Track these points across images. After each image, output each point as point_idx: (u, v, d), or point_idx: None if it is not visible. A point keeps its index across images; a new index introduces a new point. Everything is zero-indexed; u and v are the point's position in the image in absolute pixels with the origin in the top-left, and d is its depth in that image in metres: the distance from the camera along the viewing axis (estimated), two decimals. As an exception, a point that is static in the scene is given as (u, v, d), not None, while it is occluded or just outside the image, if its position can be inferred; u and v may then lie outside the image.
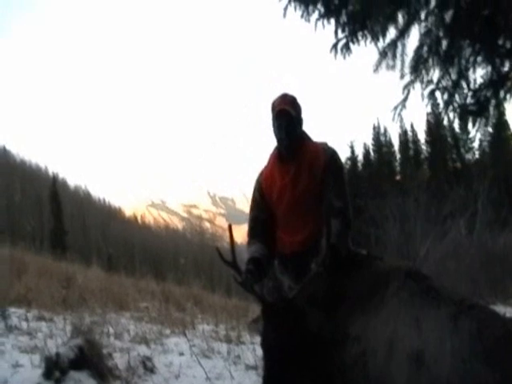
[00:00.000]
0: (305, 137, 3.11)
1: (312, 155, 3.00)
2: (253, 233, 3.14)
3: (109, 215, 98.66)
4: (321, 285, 2.48)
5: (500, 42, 5.12)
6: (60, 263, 13.32)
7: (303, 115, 3.11)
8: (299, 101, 3.09)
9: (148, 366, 4.66)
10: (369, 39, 5.35)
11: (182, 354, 5.44)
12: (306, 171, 2.97)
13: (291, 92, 3.10)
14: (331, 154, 3.01)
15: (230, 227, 2.78)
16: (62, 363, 3.91)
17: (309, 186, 2.95)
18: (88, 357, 4.09)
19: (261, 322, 2.55)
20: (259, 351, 5.36)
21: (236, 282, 2.67)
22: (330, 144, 3.12)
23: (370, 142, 51.17)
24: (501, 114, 7.37)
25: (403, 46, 5.32)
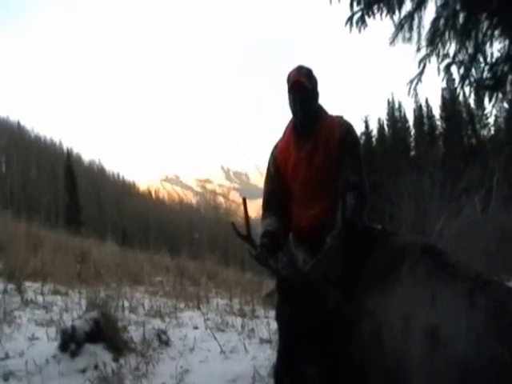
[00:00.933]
0: (321, 111, 3.07)
1: (328, 130, 2.96)
2: (267, 206, 3.12)
3: (123, 190, 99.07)
4: (336, 260, 2.48)
5: (517, 16, 5.02)
6: (75, 238, 13.44)
7: (319, 88, 3.04)
8: (315, 73, 3.03)
9: (163, 339, 4.72)
10: (384, 12, 5.28)
11: (196, 327, 5.50)
12: (322, 146, 2.93)
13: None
14: (347, 128, 2.98)
15: (244, 201, 2.81)
16: (78, 336, 3.96)
17: (325, 162, 2.92)
18: (103, 330, 4.14)
19: (275, 296, 2.55)
20: (273, 325, 5.42)
21: (250, 256, 2.67)
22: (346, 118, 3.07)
23: (384, 118, 50.77)
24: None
25: (420, 18, 5.24)
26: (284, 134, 3.17)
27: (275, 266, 2.63)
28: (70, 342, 3.92)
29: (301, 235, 3.04)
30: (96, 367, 3.80)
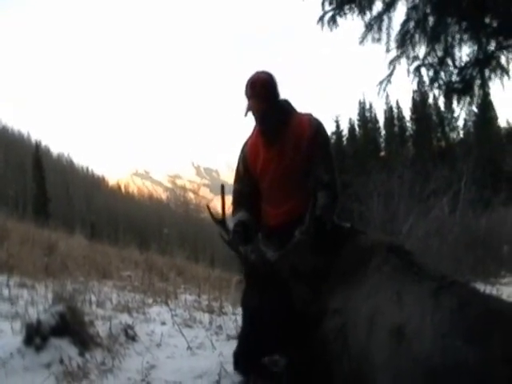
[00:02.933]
0: (288, 111, 3.07)
1: (297, 129, 2.97)
2: (237, 204, 3.14)
3: (92, 184, 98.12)
4: (304, 254, 2.51)
5: (487, 20, 5.13)
6: (43, 230, 13.19)
7: (280, 89, 3.05)
8: (272, 76, 3.02)
9: (130, 335, 4.67)
10: (355, 13, 5.33)
11: (163, 323, 5.46)
12: (291, 145, 2.94)
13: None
14: (317, 127, 2.98)
15: (222, 187, 2.93)
16: (43, 330, 3.89)
17: (294, 160, 2.93)
18: (69, 324, 4.08)
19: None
20: (241, 322, 5.44)
21: (223, 241, 2.75)
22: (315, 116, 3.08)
23: (355, 118, 51.25)
24: (486, 94, 7.41)
25: (389, 19, 5.30)
26: (253, 133, 3.18)
27: (246, 252, 2.67)
28: (35, 336, 3.85)
29: (270, 233, 3.04)
30: (61, 362, 3.73)
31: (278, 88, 3.04)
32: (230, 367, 3.91)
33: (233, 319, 5.60)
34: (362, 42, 5.46)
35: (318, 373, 2.33)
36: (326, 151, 2.98)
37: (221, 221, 2.72)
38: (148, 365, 4.03)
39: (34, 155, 54.98)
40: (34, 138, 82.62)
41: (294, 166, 2.93)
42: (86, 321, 4.49)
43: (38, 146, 62.01)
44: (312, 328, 2.37)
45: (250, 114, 3.00)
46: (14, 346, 3.83)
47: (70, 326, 4.08)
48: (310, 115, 3.06)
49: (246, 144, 3.20)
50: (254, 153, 3.10)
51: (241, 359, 2.39)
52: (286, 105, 3.09)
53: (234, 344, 4.75)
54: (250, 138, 3.18)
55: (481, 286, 5.82)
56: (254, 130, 3.18)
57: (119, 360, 4.06)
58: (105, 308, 5.85)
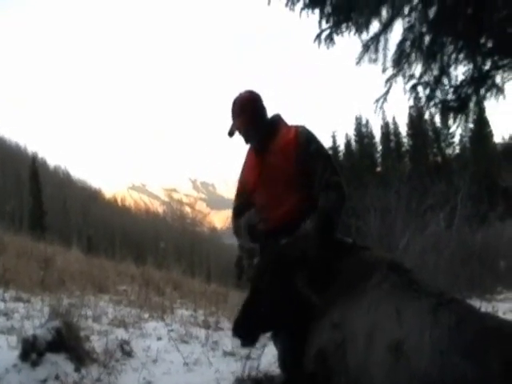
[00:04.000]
0: (278, 121, 3.17)
1: (285, 137, 3.04)
2: (238, 213, 3.20)
3: (89, 197, 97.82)
4: (312, 245, 2.60)
5: (482, 40, 5.18)
6: (39, 244, 13.14)
7: (265, 104, 3.17)
8: (255, 94, 3.17)
9: (126, 350, 4.67)
10: (352, 31, 5.38)
11: (160, 338, 5.46)
12: (280, 152, 2.99)
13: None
14: (306, 137, 3.03)
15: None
16: (39, 345, 3.89)
17: (283, 166, 2.97)
18: (65, 339, 4.07)
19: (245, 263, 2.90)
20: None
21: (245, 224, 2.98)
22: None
23: (351, 133, 51.47)
24: (481, 110, 7.47)
25: (386, 40, 5.35)
26: (247, 155, 3.30)
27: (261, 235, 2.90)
28: (31, 352, 3.85)
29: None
30: (57, 377, 3.73)
31: (262, 105, 3.16)
32: (226, 383, 3.93)
33: (229, 335, 5.60)
34: (358, 62, 5.51)
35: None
36: (325, 157, 3.02)
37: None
38: (144, 381, 4.03)
39: (31, 167, 54.85)
40: (30, 149, 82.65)
41: (284, 172, 2.97)
42: (82, 336, 4.49)
43: (34, 158, 61.88)
44: (307, 319, 2.45)
45: (238, 133, 3.15)
46: (10, 362, 3.82)
47: (66, 342, 4.08)
48: (298, 126, 3.11)
49: (242, 170, 3.32)
50: (248, 166, 3.22)
51: (240, 326, 2.47)
52: (277, 118, 3.18)
53: (230, 360, 4.78)
54: (245, 162, 3.30)
55: (476, 303, 5.83)
56: (247, 153, 3.30)
57: (115, 376, 4.06)
58: (101, 323, 5.85)
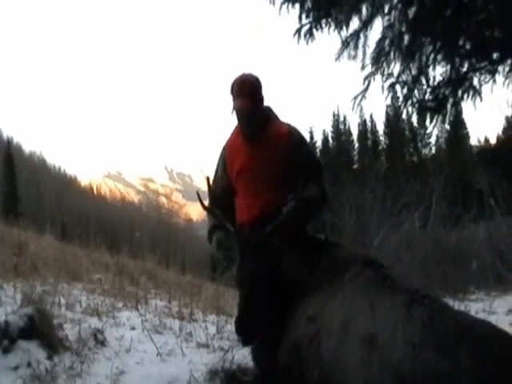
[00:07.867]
0: (268, 115, 3.14)
1: (276, 132, 3.05)
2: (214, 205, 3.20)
3: (64, 184, 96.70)
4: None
5: (460, 42, 5.26)
6: (12, 229, 12.99)
7: (264, 93, 3.11)
8: (259, 80, 3.08)
9: (99, 339, 4.65)
10: (332, 27, 5.42)
11: (133, 328, 5.45)
12: (270, 145, 3.00)
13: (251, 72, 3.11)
14: (299, 138, 3.08)
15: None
16: (11, 332, 3.86)
17: (272, 159, 2.98)
18: (38, 326, 4.04)
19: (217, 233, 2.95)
20: (211, 330, 5.45)
21: (209, 214, 3.02)
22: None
23: (329, 130, 51.78)
24: (458, 112, 7.59)
25: (365, 37, 5.41)
26: (233, 133, 3.22)
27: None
28: (3, 338, 3.82)
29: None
30: (29, 365, 3.71)
31: (263, 92, 3.11)
32: (199, 375, 3.94)
33: (203, 326, 5.62)
34: (338, 58, 5.57)
35: (291, 379, 2.38)
36: (315, 161, 3.10)
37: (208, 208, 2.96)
38: (117, 370, 4.02)
39: (6, 152, 54.05)
40: (5, 134, 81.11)
41: (272, 165, 2.98)
42: (54, 324, 4.46)
43: (9, 142, 60.98)
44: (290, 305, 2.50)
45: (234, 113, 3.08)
46: (-18, 348, 3.79)
47: (39, 329, 4.05)
48: (288, 125, 3.13)
49: (226, 144, 3.24)
50: (233, 151, 3.15)
51: (241, 325, 2.47)
52: (268, 111, 3.16)
53: (203, 352, 4.80)
54: (230, 138, 3.23)
55: (450, 302, 5.92)
56: (233, 130, 3.22)
57: (88, 364, 4.05)
58: (74, 311, 5.81)
